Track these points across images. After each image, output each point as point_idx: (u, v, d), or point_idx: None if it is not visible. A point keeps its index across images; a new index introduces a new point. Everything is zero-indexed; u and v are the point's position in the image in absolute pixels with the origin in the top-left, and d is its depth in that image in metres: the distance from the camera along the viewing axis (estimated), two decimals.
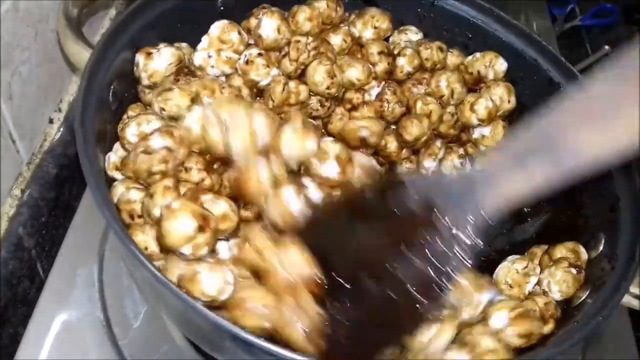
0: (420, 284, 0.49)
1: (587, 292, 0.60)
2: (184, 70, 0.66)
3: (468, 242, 0.49)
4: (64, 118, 0.75)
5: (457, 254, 0.49)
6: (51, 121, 0.74)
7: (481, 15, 0.75)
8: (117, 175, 0.58)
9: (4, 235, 0.65)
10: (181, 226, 0.50)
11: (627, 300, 0.59)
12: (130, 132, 0.58)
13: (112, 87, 0.60)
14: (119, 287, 0.67)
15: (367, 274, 0.50)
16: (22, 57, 0.65)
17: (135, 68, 0.62)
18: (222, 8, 0.70)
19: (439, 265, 0.49)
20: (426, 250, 0.49)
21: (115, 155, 0.59)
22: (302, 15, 0.68)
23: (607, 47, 0.98)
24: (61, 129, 0.75)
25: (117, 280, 0.67)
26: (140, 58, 0.62)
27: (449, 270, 0.49)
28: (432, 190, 0.52)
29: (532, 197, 0.49)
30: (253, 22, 0.67)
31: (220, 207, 0.55)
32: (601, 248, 0.63)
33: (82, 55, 0.60)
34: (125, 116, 0.62)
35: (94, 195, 0.49)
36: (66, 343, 0.63)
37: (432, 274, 0.49)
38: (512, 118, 0.75)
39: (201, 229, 0.50)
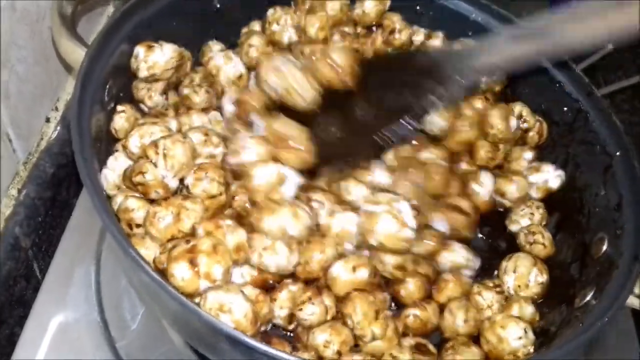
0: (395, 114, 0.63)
1: (592, 293, 0.59)
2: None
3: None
4: (60, 117, 0.75)
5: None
6: (48, 120, 0.74)
7: (481, 12, 0.75)
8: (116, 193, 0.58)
9: (0, 235, 0.65)
10: (180, 273, 0.50)
11: (631, 301, 0.59)
12: (133, 144, 0.57)
13: (107, 86, 0.59)
14: (116, 287, 0.66)
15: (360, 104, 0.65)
16: (19, 56, 0.65)
17: (133, 60, 0.62)
18: (218, 6, 0.70)
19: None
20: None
21: (113, 172, 0.58)
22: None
23: (609, 45, 0.97)
24: (58, 128, 0.74)
25: (114, 280, 0.66)
26: (140, 50, 0.61)
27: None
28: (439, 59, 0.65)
29: (519, 62, 0.62)
30: (275, 27, 0.70)
31: (239, 235, 0.55)
32: (604, 248, 0.62)
33: (76, 54, 0.59)
34: (116, 111, 0.61)
35: (92, 198, 0.49)
36: (63, 344, 0.62)
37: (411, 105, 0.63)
38: None
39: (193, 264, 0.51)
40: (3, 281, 0.64)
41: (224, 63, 0.67)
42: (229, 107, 0.66)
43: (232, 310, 0.50)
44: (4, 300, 0.64)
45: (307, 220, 0.57)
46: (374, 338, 0.55)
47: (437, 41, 0.75)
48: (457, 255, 0.64)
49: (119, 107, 0.61)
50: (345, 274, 0.57)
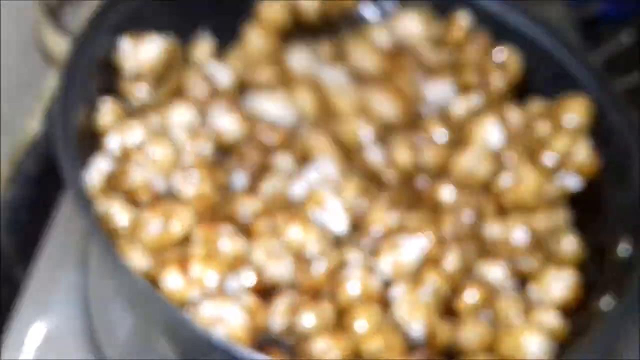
0: None
1: (608, 298, 0.57)
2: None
3: None
4: (45, 113, 0.74)
5: None
6: (33, 116, 0.73)
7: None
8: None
9: None
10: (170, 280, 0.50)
11: None
12: (114, 143, 0.56)
13: (93, 79, 0.58)
14: (103, 293, 0.63)
15: None
16: (3, 49, 0.64)
17: (120, 54, 0.60)
18: None
19: None
20: None
21: (96, 174, 0.56)
22: None
23: (626, 35, 0.97)
24: (42, 126, 0.74)
25: (101, 286, 0.63)
26: (128, 43, 0.60)
27: None
28: None
29: None
30: None
31: (238, 243, 0.53)
32: (623, 250, 0.60)
33: (61, 46, 0.60)
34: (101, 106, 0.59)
35: (76, 201, 0.49)
36: (47, 352, 0.61)
37: None
38: None
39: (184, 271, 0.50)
40: None
41: (211, 71, 0.65)
42: (221, 121, 0.62)
43: (228, 321, 0.49)
44: None
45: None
46: (371, 351, 0.53)
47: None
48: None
49: (105, 102, 0.59)
50: (359, 275, 0.56)
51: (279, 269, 0.55)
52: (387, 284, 0.57)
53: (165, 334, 0.56)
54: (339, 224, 0.59)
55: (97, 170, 0.56)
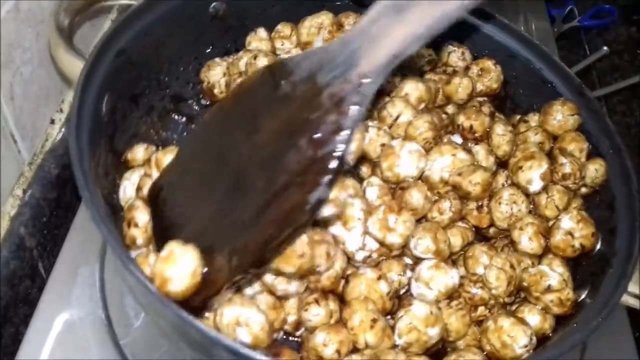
0: (307, 170, 0.47)
1: (586, 292, 0.60)
2: None
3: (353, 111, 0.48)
4: (65, 118, 0.75)
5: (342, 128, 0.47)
6: (52, 121, 0.74)
7: (473, 15, 0.74)
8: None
9: (5, 235, 0.65)
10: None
11: (626, 299, 0.60)
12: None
13: (105, 98, 0.58)
14: (120, 286, 0.67)
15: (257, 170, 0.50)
16: (23, 58, 0.65)
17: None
18: (213, 14, 0.70)
19: (326, 147, 0.47)
20: (311, 131, 0.48)
21: (132, 186, 0.57)
22: None
23: (605, 48, 0.97)
24: (62, 129, 0.75)
25: (118, 279, 0.67)
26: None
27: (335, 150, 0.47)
28: (315, 66, 0.49)
29: (414, 45, 0.47)
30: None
31: None
32: (598, 247, 0.62)
33: (74, 66, 0.59)
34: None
35: (90, 211, 0.48)
36: (67, 342, 0.63)
37: (319, 155, 0.47)
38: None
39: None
40: (8, 280, 0.65)
41: None
42: None
43: (248, 323, 0.50)
44: (9, 299, 0.65)
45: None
46: (367, 346, 0.54)
47: None
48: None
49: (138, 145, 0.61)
50: (370, 275, 0.57)
51: (290, 288, 0.56)
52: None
53: (175, 332, 0.56)
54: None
55: (134, 182, 0.57)
